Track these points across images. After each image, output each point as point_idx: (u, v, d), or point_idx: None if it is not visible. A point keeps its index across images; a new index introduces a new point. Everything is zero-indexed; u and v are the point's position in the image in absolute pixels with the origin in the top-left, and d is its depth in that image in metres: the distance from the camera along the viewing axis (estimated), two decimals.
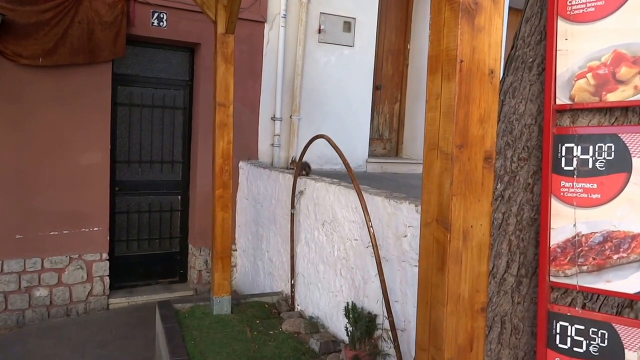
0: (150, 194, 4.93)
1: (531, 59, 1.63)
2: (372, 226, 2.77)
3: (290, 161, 4.16)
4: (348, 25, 5.65)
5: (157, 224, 5.00)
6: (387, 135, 6.48)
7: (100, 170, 4.48)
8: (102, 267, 4.53)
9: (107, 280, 4.55)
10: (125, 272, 4.87)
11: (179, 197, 5.06)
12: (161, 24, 4.60)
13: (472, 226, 1.31)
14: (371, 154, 6.13)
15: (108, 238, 4.54)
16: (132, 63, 4.75)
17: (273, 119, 5.18)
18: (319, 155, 5.10)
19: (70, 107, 4.32)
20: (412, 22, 6.42)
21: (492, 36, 1.27)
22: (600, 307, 1.51)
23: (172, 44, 4.82)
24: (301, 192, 3.82)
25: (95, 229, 4.49)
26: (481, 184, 1.31)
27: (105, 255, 4.54)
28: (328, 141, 3.19)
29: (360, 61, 5.72)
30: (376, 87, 6.15)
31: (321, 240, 3.60)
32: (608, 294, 1.43)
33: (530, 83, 1.62)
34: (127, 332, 4.09)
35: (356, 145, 5.66)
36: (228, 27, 3.43)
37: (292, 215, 3.87)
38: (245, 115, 4.98)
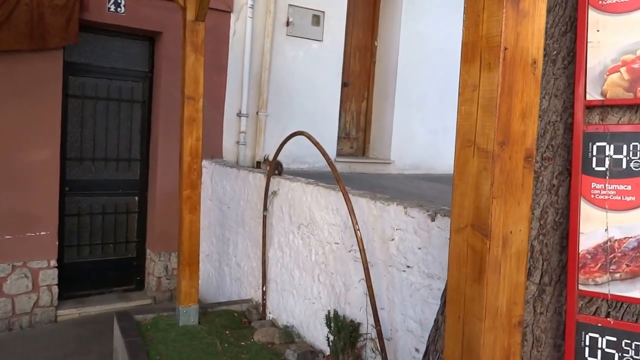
0: (105, 195, 4.68)
1: (555, 52, 1.55)
2: (359, 229, 2.67)
3: (263, 160, 4.04)
4: (317, 19, 5.56)
5: (111, 228, 4.76)
6: (354, 134, 6.43)
7: (49, 168, 4.17)
8: (49, 275, 4.22)
9: (55, 289, 4.25)
10: (75, 281, 4.58)
11: (137, 198, 4.83)
12: (119, 9, 4.34)
13: (511, 232, 1.22)
14: (339, 153, 6.07)
15: (57, 243, 4.25)
16: (86, 51, 4.47)
17: (239, 115, 5.03)
18: (286, 154, 4.99)
19: (15, 99, 4.00)
20: (380, 18, 6.40)
21: (536, 22, 1.18)
22: (622, 315, 1.46)
23: (130, 32, 4.57)
24: (274, 193, 3.69)
25: (42, 233, 4.17)
26: (521, 185, 1.22)
27: (53, 262, 4.23)
28: (309, 138, 3.07)
29: (329, 56, 5.64)
30: (344, 84, 6.09)
31: (297, 244, 3.48)
32: None
33: (555, 77, 1.55)
34: (79, 347, 3.81)
35: (324, 144, 5.48)
36: (198, 14, 3.25)
37: (265, 217, 3.73)
38: (209, 110, 4.80)
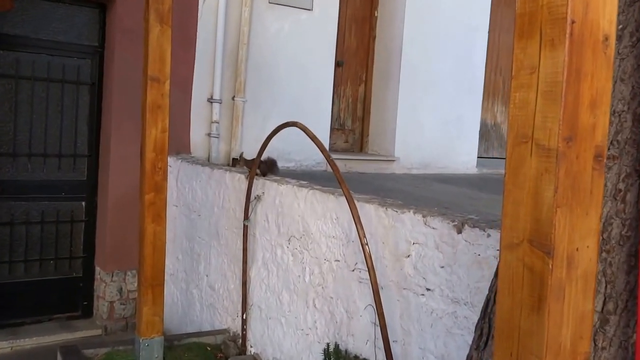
0: (44, 199, 4.63)
1: (621, 26, 1.54)
2: (367, 243, 2.65)
3: (239, 157, 4.01)
4: None
5: (52, 240, 4.70)
6: (349, 124, 6.43)
7: None
8: None
9: None
10: (6, 306, 4.52)
11: (84, 203, 4.79)
12: None
13: (577, 249, 1.20)
14: (331, 149, 6.07)
15: None
16: (21, 21, 4.41)
17: (210, 100, 5.01)
18: (269, 150, 4.94)
19: None
20: None
21: None
22: None
23: None
24: (258, 198, 3.67)
25: None
26: (590, 191, 1.20)
27: None
28: (304, 131, 3.04)
29: (320, 30, 5.63)
30: (337, 64, 6.08)
31: (286, 261, 3.46)
32: None
33: (621, 57, 1.54)
34: None
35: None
36: None
37: (246, 228, 3.71)
38: (174, 94, 4.70)
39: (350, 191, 2.84)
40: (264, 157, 3.61)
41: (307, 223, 3.31)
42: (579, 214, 1.20)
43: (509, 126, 1.26)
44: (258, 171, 3.70)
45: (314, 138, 3.05)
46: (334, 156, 5.77)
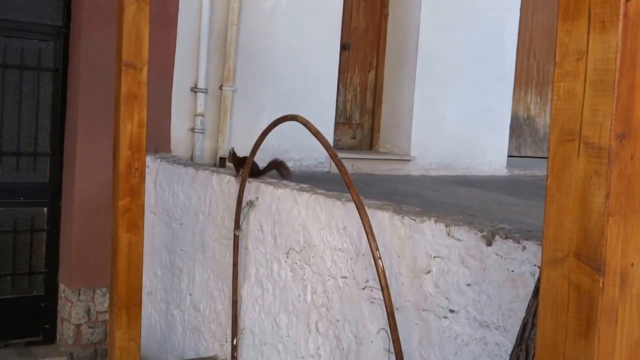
0: None
1: None
2: (380, 257, 2.67)
3: (229, 155, 4.03)
4: None
5: (8, 253, 4.73)
6: (357, 118, 6.45)
7: None
8: None
9: None
10: None
11: (45, 209, 4.82)
12: None
13: (632, 264, 1.21)
14: (336, 146, 6.08)
15: None
16: None
17: (194, 90, 5.04)
18: (264, 148, 4.85)
19: None
20: None
21: None
22: None
23: None
24: (251, 204, 3.70)
25: None
26: None
27: None
28: (306, 126, 3.06)
29: (322, 6, 5.65)
30: (343, 47, 6.10)
31: (284, 278, 3.48)
32: None
33: None
34: None
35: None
36: None
37: (236, 239, 3.73)
38: (152, 83, 4.73)
39: (360, 196, 2.86)
40: (269, 157, 3.65)
41: (308, 233, 3.32)
42: (634, 224, 1.21)
43: (552, 121, 1.28)
44: (258, 173, 3.74)
45: (316, 134, 3.07)
46: (339, 155, 5.85)
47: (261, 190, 3.66)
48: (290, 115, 3.21)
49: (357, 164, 5.90)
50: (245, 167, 3.66)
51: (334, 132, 5.96)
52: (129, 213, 3.41)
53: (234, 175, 3.89)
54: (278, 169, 3.88)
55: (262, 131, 3.44)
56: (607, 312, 1.20)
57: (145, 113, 3.36)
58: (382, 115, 6.48)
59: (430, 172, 6.29)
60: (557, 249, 1.26)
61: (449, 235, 2.62)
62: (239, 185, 3.71)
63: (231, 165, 4.10)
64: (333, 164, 5.81)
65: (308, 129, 3.07)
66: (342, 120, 6.30)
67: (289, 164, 5.47)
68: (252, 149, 3.58)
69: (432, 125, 6.24)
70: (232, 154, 4.02)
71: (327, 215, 3.22)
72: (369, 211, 2.86)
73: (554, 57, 1.26)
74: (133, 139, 3.36)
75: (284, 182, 3.73)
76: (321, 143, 3.01)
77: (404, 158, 6.19)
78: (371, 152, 6.38)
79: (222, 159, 5.09)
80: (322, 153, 5.73)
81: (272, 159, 3.88)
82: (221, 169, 4.39)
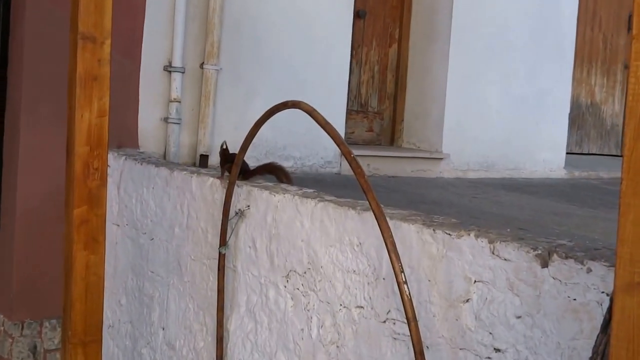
0: None
1: None
2: (406, 281, 2.67)
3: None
4: None
5: None
6: (375, 105, 6.47)
7: None
8: None
9: None
10: None
11: None
12: None
13: None
14: (348, 140, 6.08)
15: None
16: None
17: (168, 69, 5.07)
18: (256, 144, 4.87)
19: None
20: None
21: None
22: None
23: None
24: (241, 214, 3.71)
25: None
26: None
27: None
28: (310, 114, 3.06)
29: None
30: (357, 15, 6.12)
31: (283, 308, 3.49)
32: None
33: None
34: None
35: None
36: None
37: (222, 258, 3.74)
38: (116, 61, 4.75)
39: (380, 204, 2.86)
40: (262, 155, 3.65)
41: (314, 251, 3.33)
42: None
43: (627, 111, 1.28)
44: (240, 175, 3.74)
45: (324, 125, 3.05)
46: (353, 152, 5.87)
47: (254, 197, 3.66)
48: (291, 101, 3.21)
49: (375, 163, 5.92)
50: (233, 167, 3.67)
51: (346, 123, 5.98)
52: (87, 225, 3.38)
53: (219, 177, 3.90)
54: (276, 174, 3.91)
55: (254, 122, 3.44)
56: None
57: (108, 99, 3.32)
58: (406, 101, 6.49)
59: (468, 174, 6.30)
60: (634, 271, 1.27)
61: (493, 254, 2.62)
62: (225, 190, 3.72)
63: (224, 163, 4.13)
64: (344, 163, 5.83)
65: (314, 119, 3.06)
66: (356, 107, 6.32)
67: (289, 164, 5.55)
68: (242, 145, 3.58)
69: (469, 115, 6.24)
70: (223, 150, 4.01)
71: (337, 228, 3.22)
72: (391, 223, 2.87)
73: (628, 27, 1.26)
74: (92, 131, 3.34)
75: (283, 186, 3.74)
76: (331, 137, 2.99)
77: (434, 156, 6.20)
78: (393, 149, 6.39)
79: (204, 157, 5.09)
80: (330, 149, 5.76)
81: (268, 162, 3.94)
82: (202, 170, 4.39)
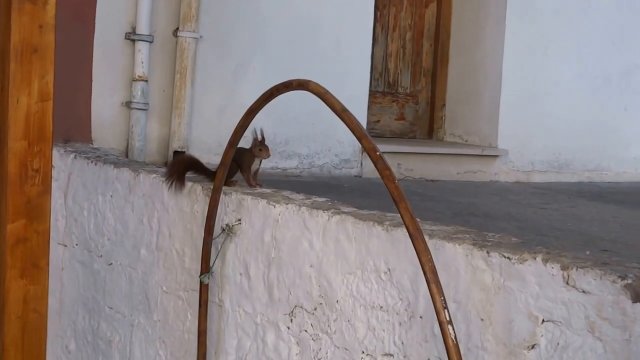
0: None
1: None
2: (450, 320, 2.67)
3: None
4: None
5: None
6: (406, 85, 6.48)
7: None
8: None
9: None
10: None
11: None
12: None
13: None
14: (372, 132, 6.12)
15: None
16: None
17: (131, 37, 5.10)
18: (244, 137, 5.06)
19: None
20: None
21: None
22: None
23: None
24: (229, 231, 3.73)
25: None
26: None
27: None
28: (321, 97, 3.07)
29: None
30: None
31: (287, 356, 3.50)
32: None
33: None
34: None
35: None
36: None
37: (205, 289, 3.76)
38: (62, 28, 4.79)
39: (416, 218, 2.87)
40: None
41: (327, 281, 3.34)
42: None
43: None
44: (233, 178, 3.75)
45: (341, 112, 3.06)
46: (379, 146, 5.86)
47: (246, 208, 3.68)
48: (296, 80, 3.21)
49: (408, 162, 5.93)
50: (219, 168, 3.68)
51: (369, 109, 5.99)
52: (24, 246, 3.39)
53: (198, 182, 3.92)
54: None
55: (247, 108, 3.46)
56: None
57: (52, 77, 3.33)
58: (448, 79, 6.50)
59: (533, 177, 6.31)
60: None
61: (567, 284, 2.61)
62: (208, 199, 3.74)
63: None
64: (367, 162, 5.81)
65: (326, 104, 3.06)
66: (382, 88, 6.33)
67: (292, 164, 5.57)
68: (231, 139, 3.60)
69: (534, 98, 6.25)
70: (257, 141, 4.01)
71: (359, 250, 3.23)
72: (430, 243, 2.87)
73: None
74: (31, 120, 3.34)
75: (286, 193, 3.74)
76: (349, 127, 3.00)
77: (486, 153, 6.21)
78: (431, 143, 6.41)
79: (179, 155, 5.09)
80: (348, 145, 5.80)
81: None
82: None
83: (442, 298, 2.71)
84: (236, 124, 3.54)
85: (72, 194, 4.69)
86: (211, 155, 4.77)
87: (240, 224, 3.70)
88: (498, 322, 2.78)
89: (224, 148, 3.66)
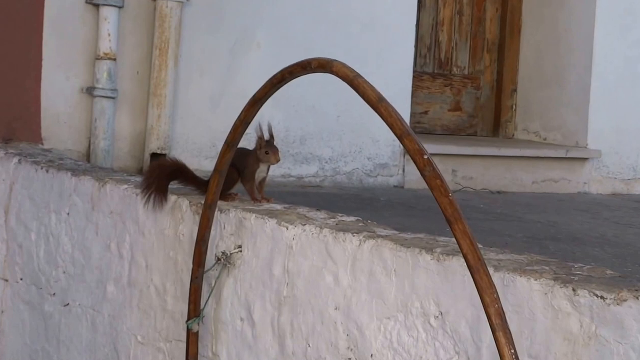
0: None
1: None
2: None
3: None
4: None
5: None
6: (464, 64, 6.50)
7: None
8: None
9: None
10: None
11: None
12: None
13: None
14: (417, 127, 6.14)
15: None
16: None
17: (93, 2, 5.14)
18: (246, 136, 5.10)
19: None
20: None
21: None
22: None
23: None
24: (225, 261, 3.76)
25: None
26: None
27: None
28: (350, 83, 3.11)
29: None
30: None
31: None
32: None
33: None
34: None
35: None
36: None
37: (193, 338, 3.78)
38: None
39: (477, 244, 2.90)
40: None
41: (358, 327, 3.37)
42: None
43: None
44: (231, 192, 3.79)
45: (376, 102, 3.10)
46: (427, 147, 5.87)
47: (249, 230, 3.71)
48: (316, 60, 3.24)
49: (468, 168, 5.95)
50: (213, 176, 3.71)
51: (413, 97, 6.02)
52: None
53: (184, 196, 3.95)
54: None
55: (250, 97, 3.50)
56: None
57: None
58: (521, 57, 6.53)
59: (635, 187, 6.30)
60: None
61: None
62: (199, 218, 3.77)
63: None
64: (411, 168, 5.84)
65: (356, 91, 3.10)
66: (431, 68, 6.36)
67: (311, 170, 5.60)
68: (229, 137, 3.64)
69: (638, 81, 6.26)
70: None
71: (400, 286, 3.27)
72: (497, 277, 2.90)
73: None
74: None
75: (303, 211, 3.77)
76: (387, 122, 3.03)
77: (572, 155, 6.22)
78: (498, 142, 6.42)
79: (156, 157, 5.11)
80: (385, 145, 5.84)
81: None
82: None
83: (513, 351, 2.74)
84: (235, 118, 3.57)
85: (15, 211, 4.71)
86: (202, 159, 4.81)
87: (241, 251, 3.73)
88: None
89: (219, 150, 3.69)
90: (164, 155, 5.05)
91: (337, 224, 3.54)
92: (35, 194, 4.61)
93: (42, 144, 5.02)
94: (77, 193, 4.40)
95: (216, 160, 3.70)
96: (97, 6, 5.10)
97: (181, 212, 3.93)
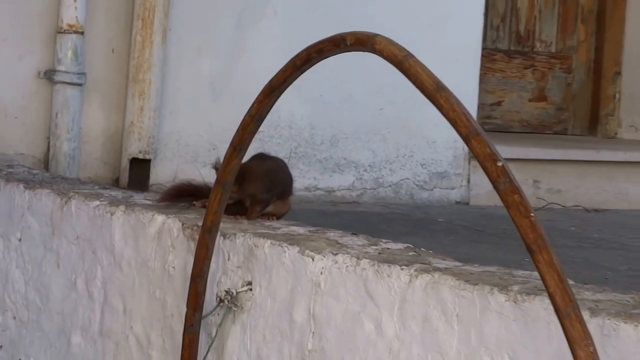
0: None
1: None
2: None
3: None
4: None
5: None
6: (549, 39, 6.51)
7: None
8: None
9: None
10: None
11: None
12: None
13: None
14: (487, 123, 6.15)
15: None
16: None
17: None
18: (269, 134, 5.09)
19: None
20: None
21: None
22: None
23: None
24: (230, 302, 3.73)
25: None
26: None
27: None
28: (399, 66, 3.09)
29: None
30: None
31: None
32: None
33: None
34: None
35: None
36: None
37: None
38: None
39: (567, 279, 2.88)
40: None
41: None
42: None
43: None
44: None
45: (433, 91, 3.08)
46: (501, 150, 5.88)
47: (262, 261, 3.71)
48: (352, 34, 3.23)
49: (554, 177, 5.95)
50: (214, 190, 3.70)
51: (481, 83, 6.01)
52: None
53: (174, 216, 3.94)
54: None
55: (264, 83, 3.49)
56: None
57: None
58: (626, 30, 6.53)
59: None
60: None
61: None
62: (194, 245, 3.76)
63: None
64: (479, 179, 5.86)
65: (407, 76, 3.09)
66: (506, 44, 6.37)
67: (345, 181, 5.60)
68: (235, 138, 3.62)
69: None
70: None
71: (465, 335, 3.25)
72: (594, 324, 2.88)
73: None
74: None
75: (334, 235, 3.74)
76: (447, 117, 3.02)
77: None
78: (595, 144, 6.43)
79: (140, 164, 5.13)
80: (444, 147, 5.85)
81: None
82: (138, 196, 4.45)
83: None
84: (244, 111, 3.56)
85: None
86: (198, 164, 4.82)
87: (251, 290, 3.70)
88: None
89: (222, 153, 3.68)
90: (148, 160, 5.02)
91: (379, 253, 3.52)
92: None
93: None
94: (32, 212, 4.40)
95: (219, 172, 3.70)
96: None
97: (171, 238, 3.90)
